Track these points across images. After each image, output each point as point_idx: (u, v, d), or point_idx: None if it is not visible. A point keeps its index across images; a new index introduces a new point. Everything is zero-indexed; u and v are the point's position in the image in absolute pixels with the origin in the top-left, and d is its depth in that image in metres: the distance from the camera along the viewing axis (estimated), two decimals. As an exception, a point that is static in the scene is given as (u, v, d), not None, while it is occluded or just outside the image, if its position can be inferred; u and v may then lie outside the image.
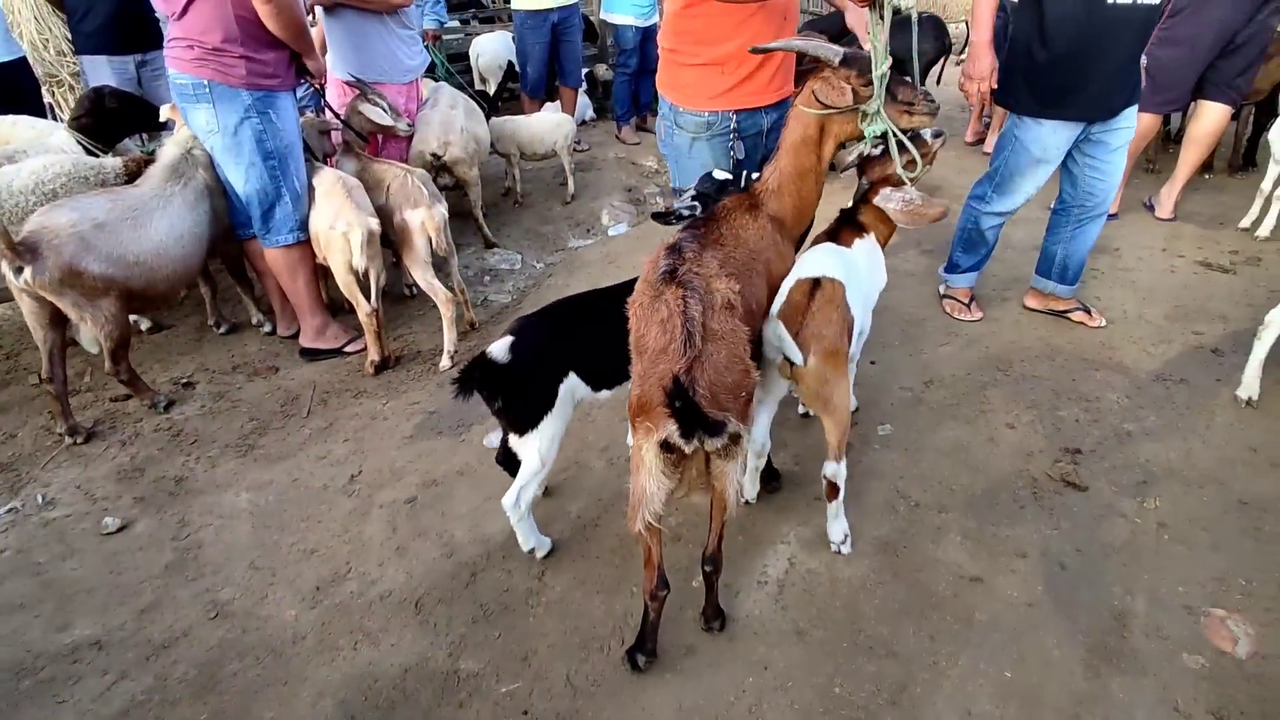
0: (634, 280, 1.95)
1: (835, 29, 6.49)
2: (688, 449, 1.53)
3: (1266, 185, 3.95)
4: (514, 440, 2.08)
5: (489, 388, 2.00)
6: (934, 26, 5.72)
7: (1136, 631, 1.94)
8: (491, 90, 6.41)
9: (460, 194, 4.54)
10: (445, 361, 3.34)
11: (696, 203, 2.29)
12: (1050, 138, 2.91)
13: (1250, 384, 2.75)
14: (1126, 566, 2.13)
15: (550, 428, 2.04)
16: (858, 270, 2.19)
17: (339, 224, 3.03)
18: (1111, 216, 4.32)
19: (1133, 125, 2.90)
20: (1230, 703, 1.77)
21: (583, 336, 2.11)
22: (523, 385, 2.02)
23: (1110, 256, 3.99)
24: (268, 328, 3.68)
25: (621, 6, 5.99)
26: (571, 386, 2.08)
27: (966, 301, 3.48)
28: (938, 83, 5.89)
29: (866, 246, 2.31)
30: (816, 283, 2.00)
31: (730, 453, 1.60)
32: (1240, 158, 4.89)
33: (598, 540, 2.34)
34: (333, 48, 3.70)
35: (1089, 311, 3.36)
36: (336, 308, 3.69)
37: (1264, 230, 4.00)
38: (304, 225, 3.16)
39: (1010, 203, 3.16)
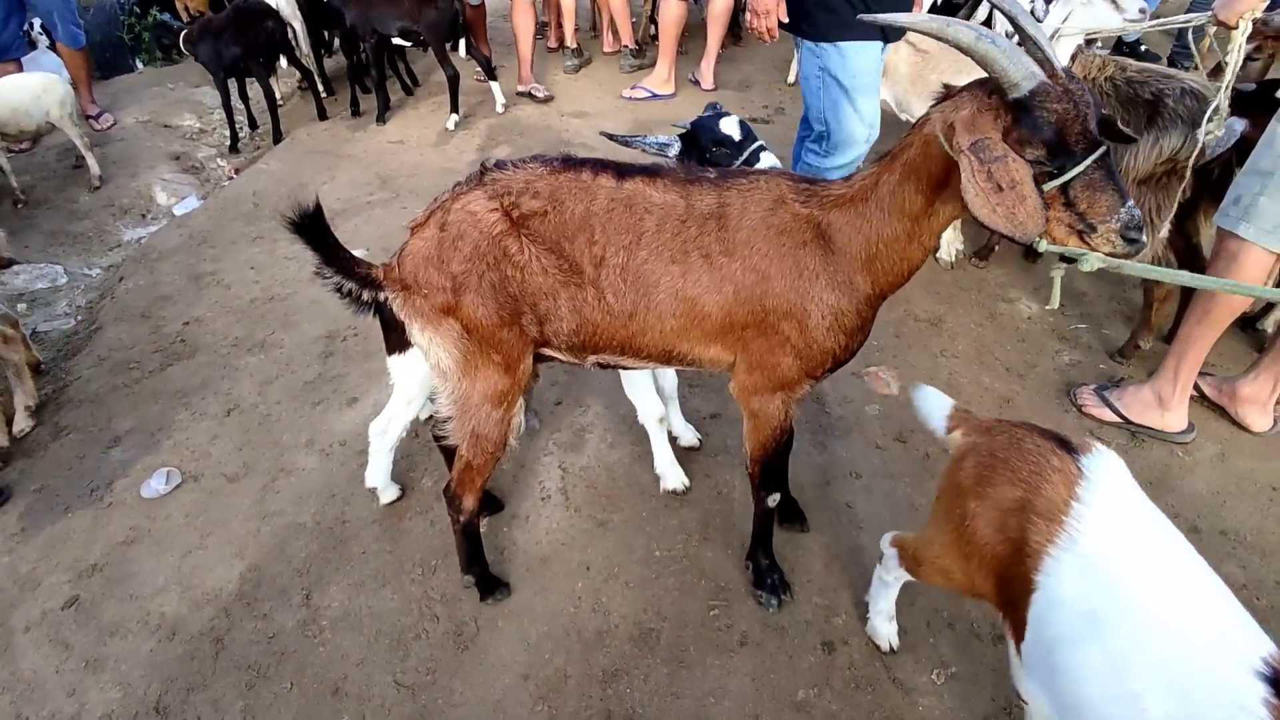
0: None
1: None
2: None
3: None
4: None
5: None
6: None
7: (832, 404, 2.41)
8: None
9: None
10: (25, 422, 2.45)
11: (674, 141, 1.92)
12: (858, 59, 2.34)
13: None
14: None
15: None
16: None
17: None
18: (671, 95, 4.94)
19: None
20: (903, 426, 2.33)
21: None
22: None
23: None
24: None
25: None
26: None
27: None
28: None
29: None
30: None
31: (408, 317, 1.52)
32: (739, 30, 5.94)
33: (354, 538, 2.04)
34: None
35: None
36: None
37: (790, 77, 5.05)
38: None
39: (851, 153, 2.55)
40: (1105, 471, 1.14)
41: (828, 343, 1.49)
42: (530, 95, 4.91)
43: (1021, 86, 1.16)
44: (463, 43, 4.52)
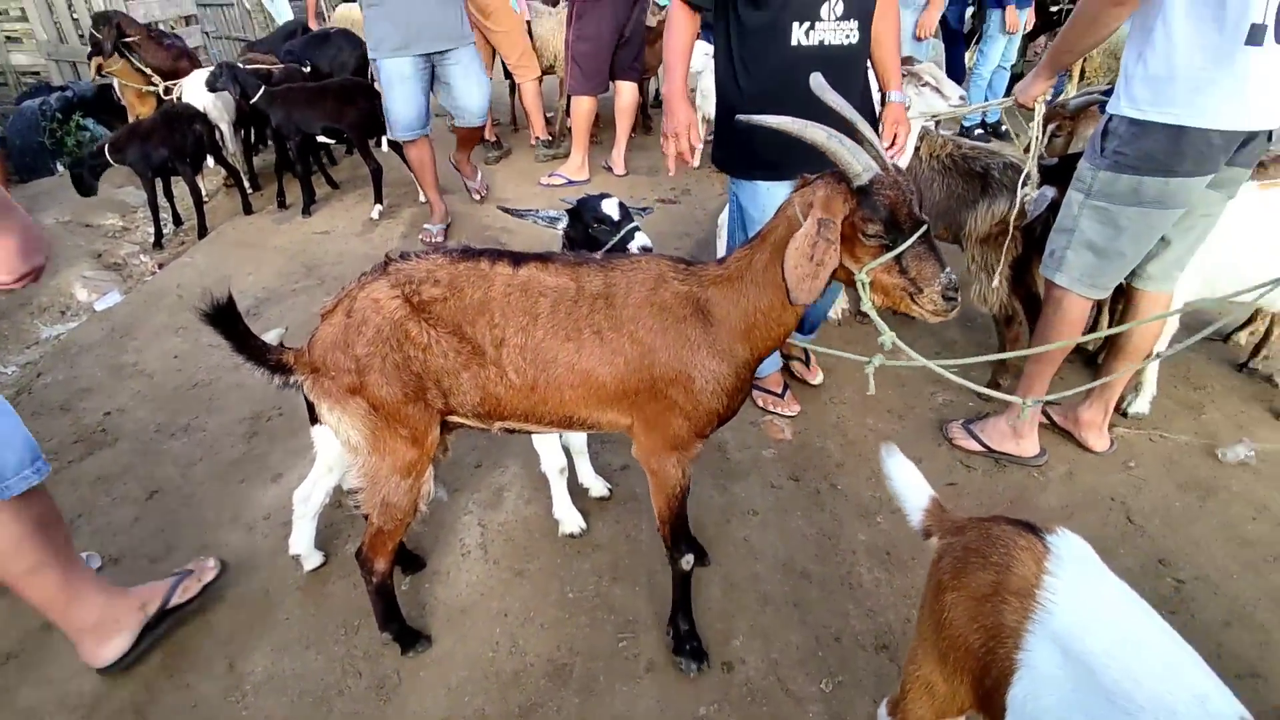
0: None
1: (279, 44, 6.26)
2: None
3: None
4: None
5: None
6: (348, 38, 6.01)
7: (733, 450, 2.63)
8: None
9: None
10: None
11: (562, 215, 2.10)
12: (767, 198, 2.43)
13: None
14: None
15: None
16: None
17: None
18: (585, 181, 5.30)
19: None
20: (796, 467, 2.57)
21: None
22: None
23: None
24: None
25: None
26: None
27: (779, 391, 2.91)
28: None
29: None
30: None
31: (317, 398, 1.63)
32: (648, 121, 6.45)
33: (278, 605, 2.11)
34: None
35: (808, 364, 3.02)
36: None
37: (695, 161, 5.45)
38: None
39: None
40: (1070, 547, 1.18)
41: (713, 404, 1.66)
42: (466, 189, 5.02)
43: (863, 176, 1.42)
44: (385, 139, 4.79)
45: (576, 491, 2.38)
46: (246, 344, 1.61)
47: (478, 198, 4.88)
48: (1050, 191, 2.58)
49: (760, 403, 2.86)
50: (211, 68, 4.80)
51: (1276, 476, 2.48)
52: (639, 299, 1.61)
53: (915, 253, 1.44)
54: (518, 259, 1.65)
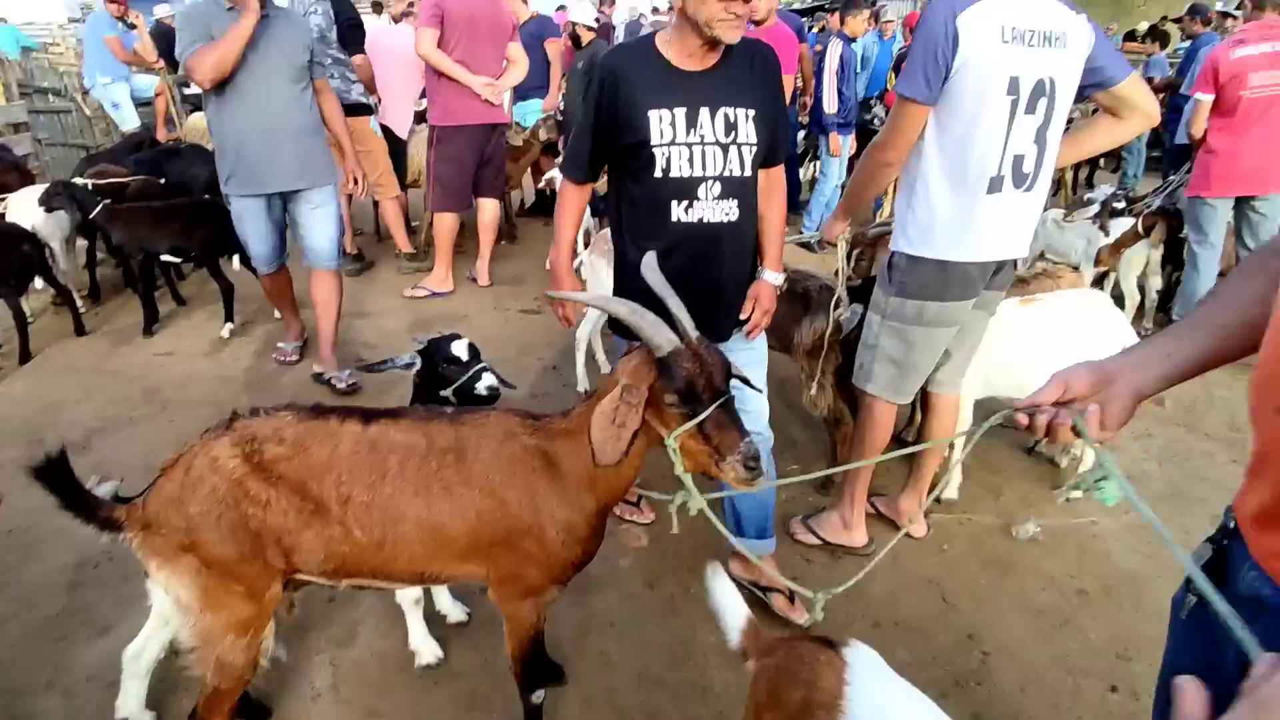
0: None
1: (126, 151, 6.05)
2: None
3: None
4: None
5: None
6: (200, 153, 5.92)
7: (593, 563, 2.72)
8: None
9: None
10: None
11: (416, 359, 2.12)
12: None
13: (582, 378, 3.97)
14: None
15: None
16: None
17: None
18: (451, 293, 5.41)
19: (756, 349, 2.52)
20: (652, 573, 2.70)
21: None
22: None
23: (462, 323, 5.01)
24: None
25: None
26: None
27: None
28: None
29: None
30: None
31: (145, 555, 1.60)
32: (513, 230, 6.72)
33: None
34: None
35: (792, 600, 2.55)
36: None
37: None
38: None
39: None
40: (861, 658, 1.34)
41: (565, 554, 1.72)
42: (330, 384, 4.03)
43: (663, 349, 1.50)
44: (236, 257, 4.72)
45: (434, 619, 2.37)
46: (78, 500, 1.55)
47: (342, 386, 3.99)
48: (859, 308, 2.96)
49: (617, 511, 2.99)
50: (45, 185, 4.60)
51: (1060, 550, 2.87)
52: (489, 453, 1.66)
53: (716, 422, 1.48)
54: (368, 416, 1.68)
